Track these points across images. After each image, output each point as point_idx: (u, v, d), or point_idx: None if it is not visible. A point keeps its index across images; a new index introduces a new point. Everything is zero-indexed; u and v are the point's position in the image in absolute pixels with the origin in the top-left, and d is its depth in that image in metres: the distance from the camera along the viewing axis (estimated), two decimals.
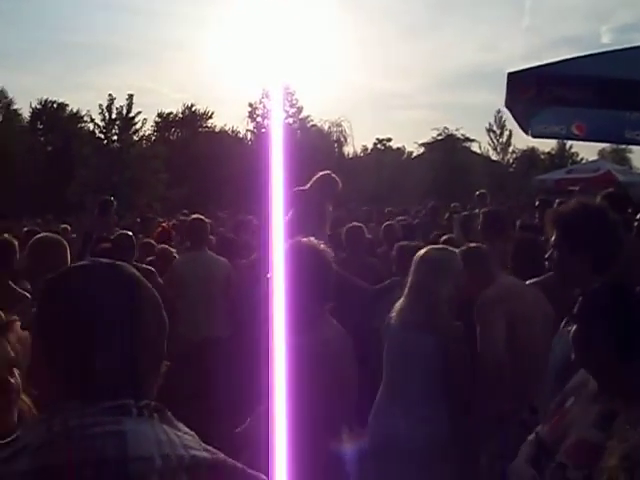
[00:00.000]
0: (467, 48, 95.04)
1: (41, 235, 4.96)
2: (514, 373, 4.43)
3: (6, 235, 6.65)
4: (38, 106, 58.89)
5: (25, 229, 12.10)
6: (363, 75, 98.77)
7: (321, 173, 7.35)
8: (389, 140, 59.45)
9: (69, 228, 13.98)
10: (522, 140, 59.51)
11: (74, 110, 58.13)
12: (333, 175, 7.34)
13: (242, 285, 7.28)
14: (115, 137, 48.88)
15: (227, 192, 40.98)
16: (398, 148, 61.73)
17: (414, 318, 4.44)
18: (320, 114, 57.19)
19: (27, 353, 2.09)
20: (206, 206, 22.54)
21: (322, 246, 3.75)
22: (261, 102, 54.98)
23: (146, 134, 54.38)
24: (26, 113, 59.58)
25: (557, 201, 9.35)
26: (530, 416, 3.74)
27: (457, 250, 4.82)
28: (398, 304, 4.64)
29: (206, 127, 61.73)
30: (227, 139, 57.43)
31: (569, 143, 54.10)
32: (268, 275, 3.50)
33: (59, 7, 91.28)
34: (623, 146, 47.56)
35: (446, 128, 51.75)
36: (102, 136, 48.70)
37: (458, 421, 4.26)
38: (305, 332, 3.33)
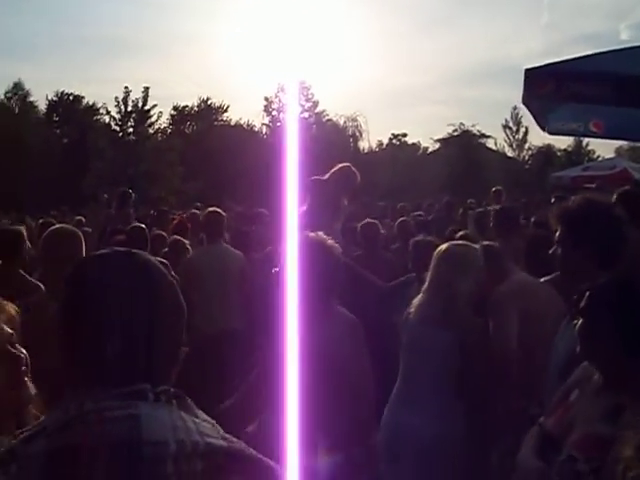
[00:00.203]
0: (485, 44, 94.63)
1: (56, 226, 4.98)
2: (525, 370, 4.42)
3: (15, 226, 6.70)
4: (54, 98, 59.08)
5: (40, 221, 12.15)
6: (379, 70, 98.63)
7: (340, 165, 7.28)
8: (404, 135, 59.49)
9: (83, 220, 14.03)
10: (538, 137, 59.47)
11: (90, 102, 58.36)
12: (353, 169, 7.26)
13: (256, 278, 7.29)
14: (131, 130, 48.95)
15: (242, 186, 41.00)
16: (413, 143, 61.68)
17: (433, 313, 4.44)
18: (336, 109, 57.39)
19: (17, 335, 2.12)
20: (221, 199, 22.50)
21: (330, 241, 3.71)
22: (277, 96, 55.02)
23: (162, 127, 54.48)
24: (42, 105, 59.85)
25: (572, 198, 9.30)
26: (540, 413, 3.74)
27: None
28: (417, 299, 4.63)
29: (221, 120, 61.76)
30: (242, 133, 57.39)
31: (586, 140, 53.69)
32: (274, 270, 3.50)
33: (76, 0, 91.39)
34: None
35: (462, 124, 51.67)
36: (118, 129, 48.80)
37: (473, 418, 4.26)
38: (310, 329, 3.29)
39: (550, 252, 3.67)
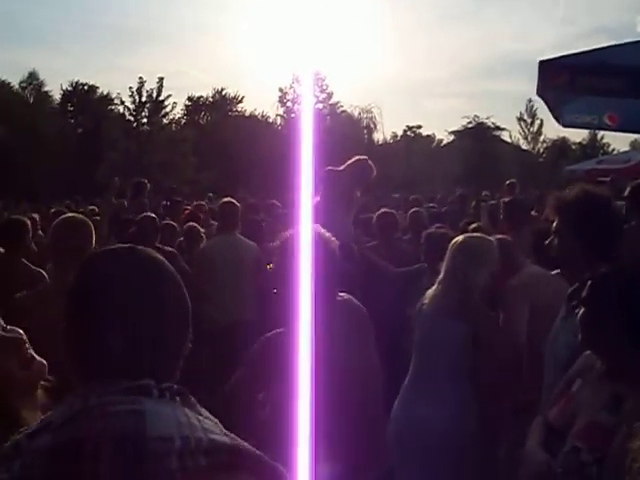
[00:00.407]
0: (501, 37, 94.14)
1: (66, 216, 4.99)
2: (533, 363, 4.43)
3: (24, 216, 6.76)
4: (69, 88, 59.27)
5: (52, 210, 12.20)
6: (395, 62, 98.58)
7: (357, 157, 7.25)
8: (419, 127, 59.43)
9: (96, 209, 14.08)
10: (553, 130, 59.25)
11: (104, 93, 58.52)
12: (369, 162, 7.24)
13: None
14: (145, 120, 49.01)
15: (256, 176, 41.01)
16: (428, 136, 61.60)
17: (447, 305, 4.42)
18: (350, 100, 57.21)
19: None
20: (235, 190, 22.53)
21: (327, 235, 3.64)
22: (291, 87, 54.96)
23: (176, 117, 54.65)
24: (57, 95, 60.08)
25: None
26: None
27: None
28: (431, 291, 4.61)
29: (236, 111, 61.82)
30: (257, 124, 57.41)
31: (600, 133, 53.55)
32: (269, 266, 3.47)
33: None
34: None
35: (476, 116, 51.53)
36: (132, 119, 48.91)
37: (484, 412, 4.26)
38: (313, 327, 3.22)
39: (546, 243, 3.68)
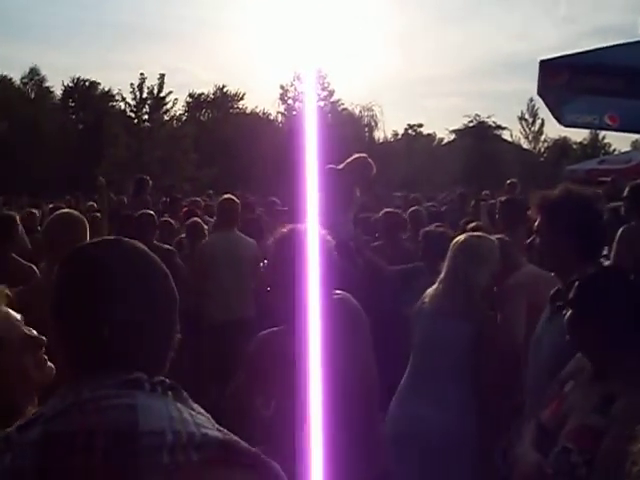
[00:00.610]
0: (502, 36, 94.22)
1: (60, 212, 4.98)
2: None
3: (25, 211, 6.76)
4: (70, 84, 59.33)
5: (50, 206, 12.21)
6: (396, 60, 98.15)
7: (356, 155, 7.23)
8: (420, 126, 59.40)
9: (95, 206, 14.11)
10: (554, 129, 59.23)
11: (105, 89, 58.58)
12: (369, 160, 7.21)
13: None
14: (146, 116, 49.05)
15: (256, 174, 41.02)
16: (429, 134, 61.56)
17: (449, 305, 4.39)
18: (351, 98, 57.19)
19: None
20: (235, 187, 22.54)
21: (324, 232, 3.55)
22: (292, 84, 54.99)
23: (177, 114, 54.58)
24: (58, 91, 60.10)
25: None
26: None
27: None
28: (431, 290, 4.59)
29: (237, 108, 61.87)
30: (258, 121, 57.42)
31: (602, 133, 53.46)
32: (262, 264, 3.43)
33: None
34: None
35: (478, 115, 51.53)
36: (133, 115, 48.94)
37: (484, 413, 4.25)
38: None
39: (529, 241, 3.69)
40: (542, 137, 58.83)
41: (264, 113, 60.43)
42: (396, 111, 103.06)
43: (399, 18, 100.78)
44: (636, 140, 47.25)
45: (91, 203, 14.92)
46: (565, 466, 2.57)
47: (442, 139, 61.22)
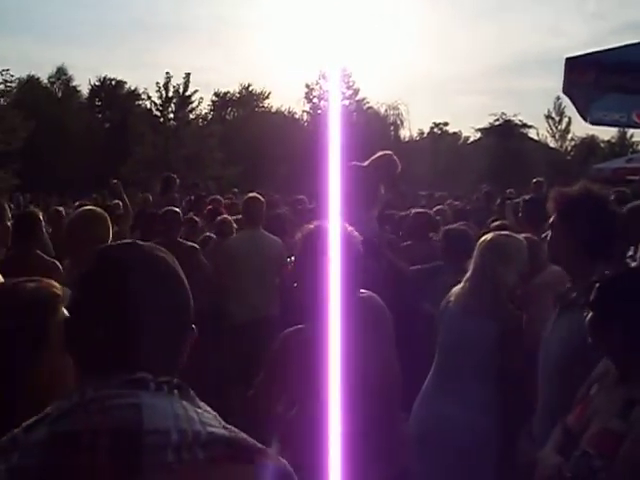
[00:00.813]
0: (529, 33, 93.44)
1: (83, 209, 5.01)
2: None
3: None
4: (97, 83, 59.76)
5: (76, 204, 12.32)
6: (422, 58, 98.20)
7: (381, 152, 7.22)
8: (446, 124, 59.15)
9: (120, 204, 14.17)
10: (581, 128, 58.76)
11: (132, 88, 58.94)
12: (394, 157, 7.18)
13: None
14: (171, 115, 49.24)
15: (282, 172, 41.11)
16: (454, 133, 61.31)
17: (477, 304, 4.36)
18: (377, 97, 57.14)
19: None
20: (261, 186, 22.58)
21: (351, 229, 3.55)
22: (318, 83, 55.01)
23: (202, 113, 54.80)
24: (85, 90, 60.53)
25: (614, 190, 9.18)
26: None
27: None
28: (457, 289, 4.56)
29: (262, 107, 62.05)
30: (283, 119, 57.60)
31: (630, 131, 52.98)
32: (290, 259, 3.43)
33: None
34: None
35: (504, 114, 51.20)
36: (158, 114, 49.13)
37: (511, 411, 4.22)
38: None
39: (542, 236, 3.67)
40: (569, 135, 58.46)
41: (289, 112, 60.66)
42: (422, 109, 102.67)
43: (425, 15, 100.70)
44: None
45: (116, 201, 15.01)
46: (584, 471, 2.54)
47: (468, 138, 61.01)
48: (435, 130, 59.15)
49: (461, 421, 4.23)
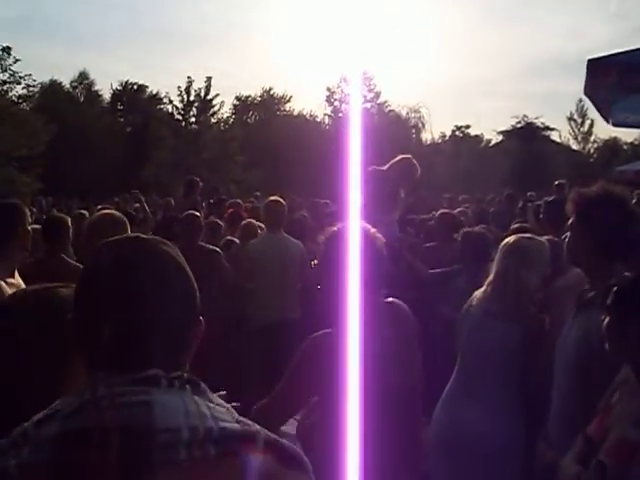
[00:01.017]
0: (552, 35, 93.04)
1: (101, 212, 5.04)
2: None
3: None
4: (118, 87, 60.05)
5: (98, 207, 12.41)
6: (444, 61, 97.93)
7: (401, 156, 7.21)
8: (468, 127, 58.98)
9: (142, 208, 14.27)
10: (604, 130, 58.48)
11: (153, 92, 59.18)
12: (413, 161, 7.19)
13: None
14: (193, 119, 49.45)
15: (303, 176, 41.12)
16: (476, 135, 61.04)
17: (498, 307, 4.35)
18: (398, 99, 57.04)
19: None
20: (282, 189, 22.63)
21: (374, 232, 3.55)
22: (339, 86, 55.00)
23: (224, 117, 54.96)
24: (107, 94, 60.87)
25: (636, 192, 9.13)
26: None
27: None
28: (479, 292, 4.55)
29: (284, 111, 62.11)
30: (304, 123, 57.65)
31: None
32: (313, 263, 3.42)
33: None
34: None
35: (526, 116, 50.99)
36: (180, 118, 49.34)
37: (533, 415, 4.20)
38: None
39: (562, 238, 3.65)
40: (591, 138, 58.10)
41: (311, 115, 60.69)
42: (444, 112, 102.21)
43: (447, 18, 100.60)
44: None
45: (137, 205, 15.11)
46: None
47: (490, 140, 60.75)
48: (457, 133, 59.02)
49: (482, 425, 4.21)
